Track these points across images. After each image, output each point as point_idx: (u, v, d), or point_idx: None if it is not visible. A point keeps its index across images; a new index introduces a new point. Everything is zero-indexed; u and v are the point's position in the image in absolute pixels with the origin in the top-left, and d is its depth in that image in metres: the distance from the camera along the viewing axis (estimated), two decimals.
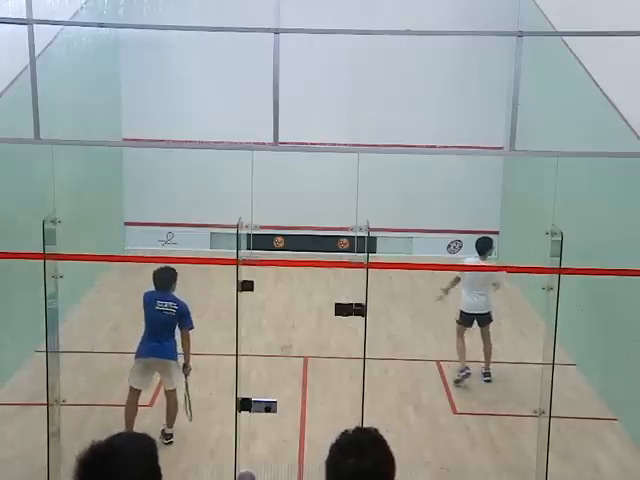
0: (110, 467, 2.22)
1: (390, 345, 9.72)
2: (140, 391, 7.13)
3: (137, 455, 2.29)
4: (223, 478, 6.56)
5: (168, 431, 7.18)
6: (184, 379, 7.20)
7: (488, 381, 8.65)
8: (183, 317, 7.15)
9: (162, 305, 7.08)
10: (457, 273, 8.73)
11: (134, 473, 2.25)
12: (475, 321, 8.68)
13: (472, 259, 8.74)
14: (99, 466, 2.22)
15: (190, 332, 7.19)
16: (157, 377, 7.31)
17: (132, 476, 2.24)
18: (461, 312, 8.72)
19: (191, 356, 7.23)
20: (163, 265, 7.24)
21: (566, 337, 7.45)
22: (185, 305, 7.19)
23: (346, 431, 2.47)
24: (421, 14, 11.15)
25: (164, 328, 7.09)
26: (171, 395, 7.19)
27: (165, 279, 7.17)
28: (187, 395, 7.24)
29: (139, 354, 7.15)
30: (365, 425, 2.71)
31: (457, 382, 8.52)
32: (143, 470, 2.28)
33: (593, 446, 7.33)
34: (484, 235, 9.11)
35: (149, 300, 7.15)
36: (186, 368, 7.20)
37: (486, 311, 8.68)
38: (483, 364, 8.82)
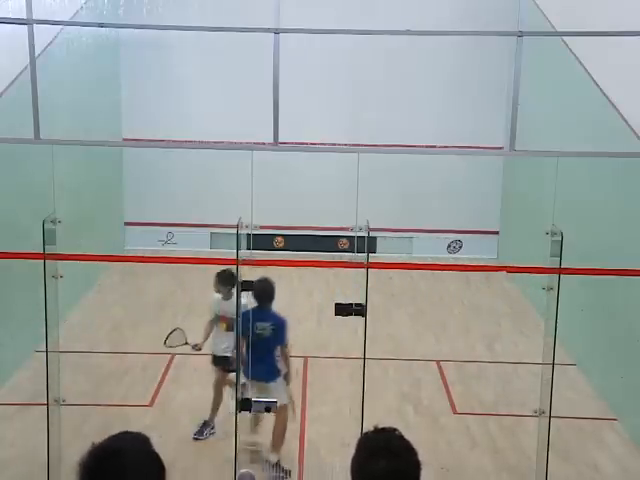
0: (117, 467, 2.22)
1: (390, 345, 9.71)
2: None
3: (144, 454, 2.29)
4: (223, 478, 6.56)
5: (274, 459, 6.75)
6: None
7: None
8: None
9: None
10: None
11: (142, 472, 2.25)
12: None
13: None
14: (106, 467, 2.22)
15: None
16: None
17: (141, 475, 2.24)
18: None
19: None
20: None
21: (566, 337, 7.45)
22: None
23: (368, 432, 2.45)
24: (421, 14, 11.13)
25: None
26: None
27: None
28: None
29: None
30: (365, 425, 2.69)
31: None
32: (150, 469, 2.28)
33: (593, 446, 7.33)
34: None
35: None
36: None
37: None
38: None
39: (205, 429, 7.27)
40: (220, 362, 7.17)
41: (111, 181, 12.99)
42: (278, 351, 6.79)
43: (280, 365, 6.79)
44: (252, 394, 6.35)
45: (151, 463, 2.29)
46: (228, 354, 7.06)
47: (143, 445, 2.32)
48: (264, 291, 6.63)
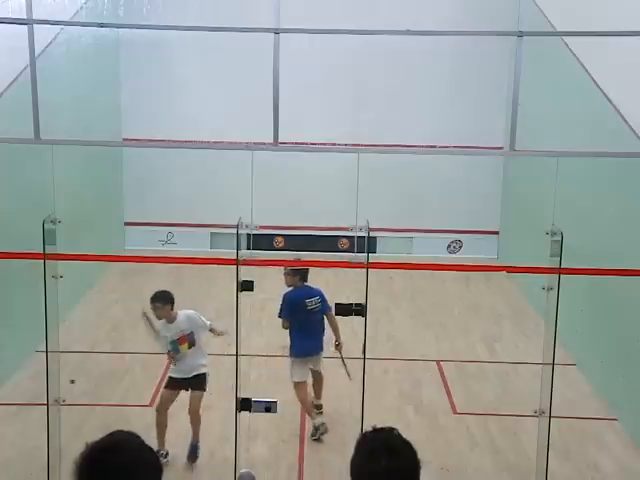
0: (116, 462, 2.22)
1: (390, 345, 9.71)
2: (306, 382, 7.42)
3: (142, 450, 2.30)
4: (223, 478, 6.56)
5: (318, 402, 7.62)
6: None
7: None
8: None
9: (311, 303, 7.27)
10: None
11: (140, 468, 2.25)
12: None
13: None
14: (105, 462, 2.22)
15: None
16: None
17: (139, 471, 2.25)
18: None
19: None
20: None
21: (566, 337, 7.45)
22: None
23: (366, 432, 2.45)
24: (421, 14, 11.14)
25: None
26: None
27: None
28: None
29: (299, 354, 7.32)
30: (365, 425, 2.70)
31: None
32: (148, 466, 2.29)
33: (593, 446, 7.33)
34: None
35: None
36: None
37: None
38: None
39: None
40: (196, 382, 6.87)
41: (111, 181, 13.00)
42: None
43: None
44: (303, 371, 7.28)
45: (148, 459, 2.29)
46: (204, 370, 6.91)
47: (138, 442, 2.32)
48: (304, 268, 7.35)
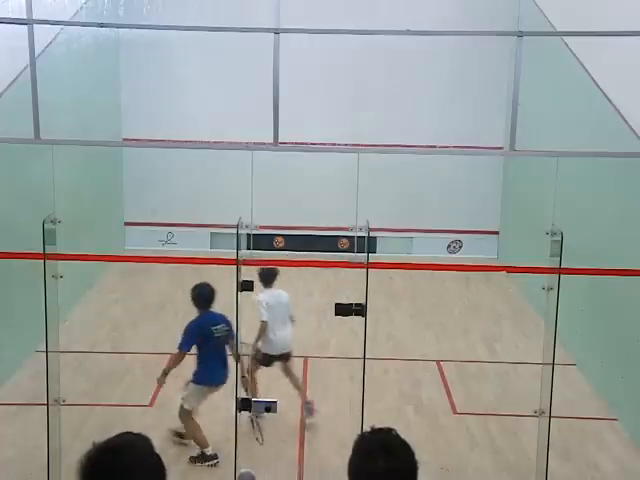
0: (117, 464, 2.22)
1: (390, 345, 9.71)
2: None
3: (146, 453, 2.30)
4: (223, 478, 6.56)
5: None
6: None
7: None
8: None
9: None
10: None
11: (146, 470, 2.25)
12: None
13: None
14: (106, 463, 2.22)
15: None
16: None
17: (144, 473, 2.25)
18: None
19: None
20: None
21: (566, 337, 7.45)
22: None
23: (364, 433, 2.45)
24: (421, 14, 11.14)
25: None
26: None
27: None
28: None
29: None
30: (365, 425, 2.69)
31: None
32: (153, 467, 2.29)
33: (593, 446, 7.33)
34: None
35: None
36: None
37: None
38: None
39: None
40: None
41: (111, 181, 13.00)
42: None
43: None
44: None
45: (152, 463, 2.30)
46: None
47: (145, 445, 2.32)
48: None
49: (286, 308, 7.61)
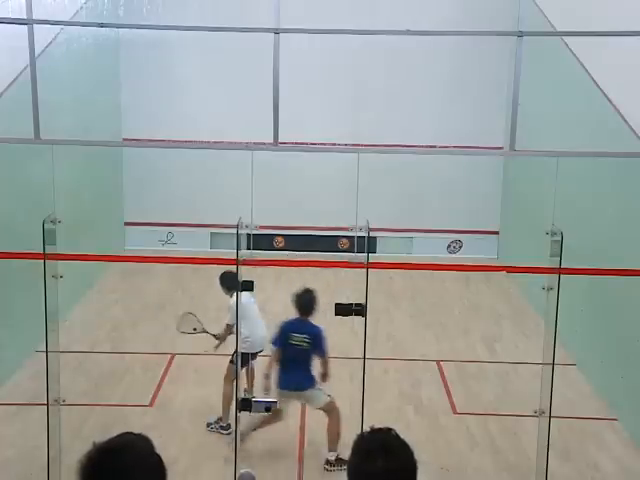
0: (117, 464, 2.22)
1: (390, 345, 9.71)
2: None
3: (147, 453, 2.30)
4: (223, 478, 6.56)
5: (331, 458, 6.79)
6: None
7: None
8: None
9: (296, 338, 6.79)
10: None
11: (146, 470, 2.25)
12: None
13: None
14: (107, 466, 2.22)
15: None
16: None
17: (144, 473, 2.25)
18: None
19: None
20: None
21: (566, 337, 7.45)
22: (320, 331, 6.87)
23: (363, 433, 2.45)
24: (421, 14, 11.15)
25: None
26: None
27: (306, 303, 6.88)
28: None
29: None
30: (365, 425, 2.69)
31: None
32: (153, 467, 2.29)
33: (593, 446, 7.33)
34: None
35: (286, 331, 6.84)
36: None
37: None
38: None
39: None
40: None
41: (111, 181, 12.99)
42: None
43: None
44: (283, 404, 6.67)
45: (153, 463, 2.30)
46: None
47: (145, 445, 2.32)
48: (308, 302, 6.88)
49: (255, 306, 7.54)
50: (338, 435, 6.71)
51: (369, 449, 2.34)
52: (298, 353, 6.75)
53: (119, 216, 13.50)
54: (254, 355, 7.44)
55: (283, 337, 6.80)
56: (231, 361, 7.15)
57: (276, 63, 5.66)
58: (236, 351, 6.50)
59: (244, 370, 7.27)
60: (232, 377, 6.91)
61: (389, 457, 2.31)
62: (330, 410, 6.79)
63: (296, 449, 7.13)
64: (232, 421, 6.79)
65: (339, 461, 6.65)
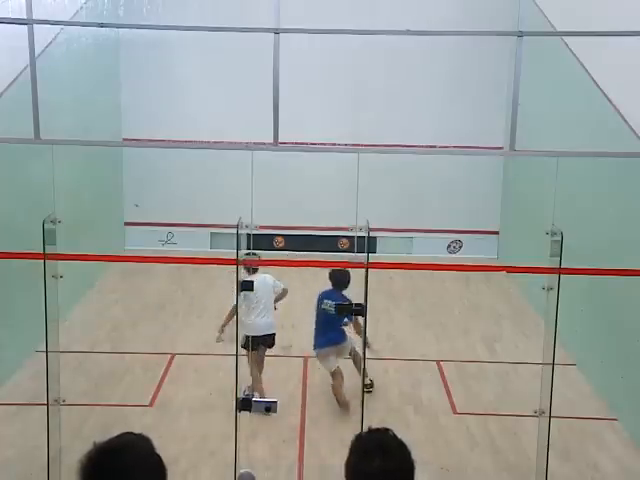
0: (117, 465, 2.22)
1: (390, 345, 9.71)
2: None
3: (147, 453, 2.30)
4: (223, 478, 6.56)
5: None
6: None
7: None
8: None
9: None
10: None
11: (146, 470, 2.25)
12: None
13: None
14: (107, 466, 2.22)
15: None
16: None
17: (144, 473, 2.25)
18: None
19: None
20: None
21: (566, 337, 7.45)
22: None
23: (361, 433, 2.45)
24: (421, 14, 11.15)
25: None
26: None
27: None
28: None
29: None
30: (365, 425, 2.70)
31: None
32: (153, 467, 2.29)
33: (593, 446, 7.33)
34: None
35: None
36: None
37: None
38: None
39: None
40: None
41: (111, 181, 13.00)
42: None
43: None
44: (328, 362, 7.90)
45: (153, 463, 2.30)
46: None
47: (145, 445, 2.33)
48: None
49: (271, 289, 8.22)
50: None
51: (367, 449, 2.35)
52: (329, 316, 7.71)
53: (119, 216, 13.51)
54: (264, 340, 7.93)
55: (319, 303, 7.94)
56: (242, 346, 7.42)
57: (276, 63, 5.65)
58: (236, 351, 6.50)
59: (254, 355, 7.87)
60: (251, 359, 7.79)
61: (386, 457, 2.31)
62: (339, 372, 7.90)
63: (296, 449, 7.14)
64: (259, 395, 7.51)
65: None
